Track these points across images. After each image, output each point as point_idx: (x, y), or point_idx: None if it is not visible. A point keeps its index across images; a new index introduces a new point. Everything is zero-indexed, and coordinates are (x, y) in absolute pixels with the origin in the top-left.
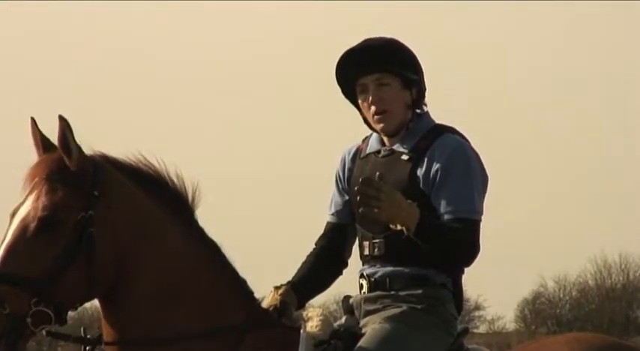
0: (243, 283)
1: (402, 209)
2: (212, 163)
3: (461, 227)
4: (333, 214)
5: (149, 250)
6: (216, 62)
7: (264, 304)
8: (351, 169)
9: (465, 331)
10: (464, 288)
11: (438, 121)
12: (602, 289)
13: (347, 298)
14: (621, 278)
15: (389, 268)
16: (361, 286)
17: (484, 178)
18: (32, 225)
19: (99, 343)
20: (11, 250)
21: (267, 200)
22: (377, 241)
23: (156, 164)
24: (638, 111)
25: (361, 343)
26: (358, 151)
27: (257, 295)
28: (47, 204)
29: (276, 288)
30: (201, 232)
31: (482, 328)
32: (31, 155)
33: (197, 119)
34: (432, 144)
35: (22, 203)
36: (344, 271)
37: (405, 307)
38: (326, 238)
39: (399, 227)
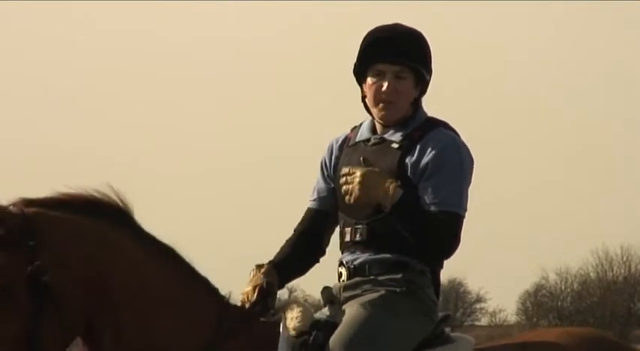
0: (213, 288)
1: (380, 187)
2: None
3: (445, 219)
4: (314, 200)
5: (111, 275)
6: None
7: (248, 284)
8: (338, 157)
9: (447, 317)
10: (465, 281)
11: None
12: (603, 282)
13: (326, 288)
14: (623, 271)
15: (369, 255)
16: (340, 275)
17: (469, 175)
18: None
19: None
20: None
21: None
22: (360, 226)
23: (80, 190)
24: None
25: (339, 329)
26: (346, 139)
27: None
28: None
29: (258, 266)
30: (152, 239)
31: (483, 321)
32: None
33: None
34: (425, 135)
35: None
36: (323, 260)
37: (383, 291)
38: (306, 224)
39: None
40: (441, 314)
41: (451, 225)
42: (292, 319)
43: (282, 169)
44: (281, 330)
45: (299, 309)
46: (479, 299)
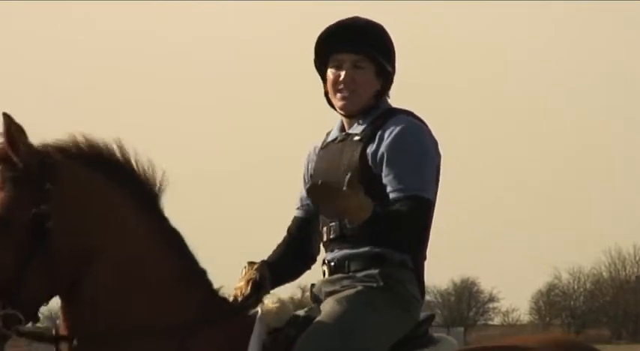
0: (202, 273)
1: (352, 206)
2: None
3: (411, 204)
4: (299, 208)
5: (109, 241)
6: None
7: (240, 279)
8: (314, 162)
9: (431, 317)
10: (478, 280)
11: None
12: (616, 281)
13: (313, 286)
14: (635, 270)
15: (346, 250)
16: (323, 273)
17: (435, 160)
18: None
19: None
20: None
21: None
22: (333, 224)
23: (119, 150)
24: None
25: (312, 325)
26: (322, 143)
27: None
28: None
29: (251, 263)
30: (163, 221)
31: (496, 320)
32: None
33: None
34: (384, 124)
35: None
36: (313, 267)
37: (360, 287)
38: (293, 232)
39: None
40: (424, 314)
41: (418, 209)
42: (267, 315)
43: (282, 169)
44: (256, 325)
45: (276, 305)
46: (492, 299)
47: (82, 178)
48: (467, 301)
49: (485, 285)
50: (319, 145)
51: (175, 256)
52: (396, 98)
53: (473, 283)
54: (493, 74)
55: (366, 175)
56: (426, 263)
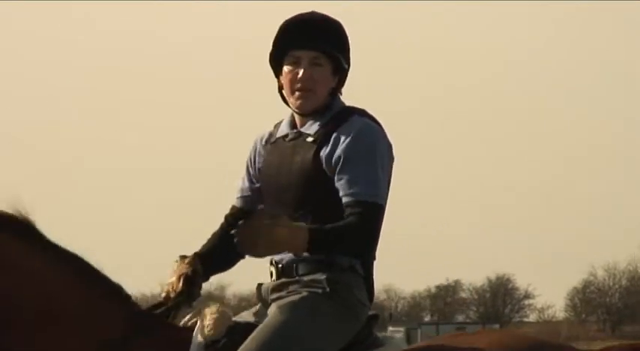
0: (118, 289)
1: (283, 243)
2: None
3: (361, 212)
4: (239, 198)
5: (14, 287)
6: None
7: (172, 274)
8: (262, 157)
9: (375, 317)
10: (514, 277)
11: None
12: None
13: (260, 285)
14: None
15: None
16: (271, 274)
17: (389, 163)
18: None
19: None
20: None
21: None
22: None
23: None
24: None
25: (252, 335)
26: (270, 136)
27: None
28: None
29: (182, 257)
30: (58, 249)
31: (532, 317)
32: None
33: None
34: (338, 126)
35: None
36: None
37: (305, 292)
38: (229, 222)
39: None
40: (369, 314)
41: (368, 217)
42: (205, 327)
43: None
44: (194, 337)
45: (213, 315)
46: (527, 295)
47: None
48: (502, 297)
49: (521, 282)
50: (266, 135)
51: (86, 281)
52: (395, 97)
53: (508, 280)
54: (494, 74)
55: (320, 178)
56: (375, 264)
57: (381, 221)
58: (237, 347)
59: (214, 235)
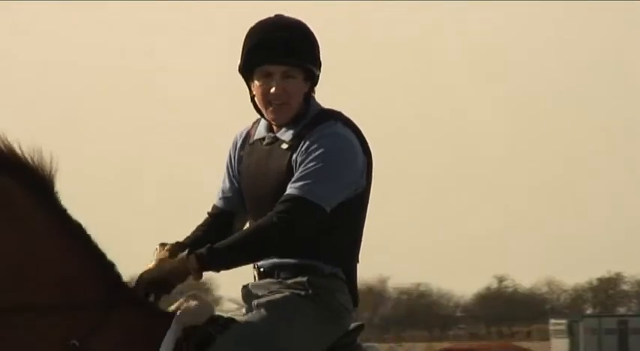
0: (110, 266)
1: (170, 275)
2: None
3: (284, 207)
4: (220, 199)
5: (6, 234)
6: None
7: (151, 261)
8: (241, 158)
9: (360, 327)
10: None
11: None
12: None
13: (246, 287)
14: None
15: (275, 259)
16: (254, 277)
17: (349, 172)
18: None
19: None
20: None
21: None
22: None
23: (1, 142)
24: None
25: (231, 329)
26: (248, 136)
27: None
28: None
29: (162, 245)
30: (63, 213)
31: None
32: None
33: None
34: (310, 132)
35: None
36: None
37: (288, 292)
38: (211, 221)
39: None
40: (354, 324)
41: (298, 209)
42: (186, 313)
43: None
44: (173, 322)
45: (195, 302)
46: None
47: None
48: None
49: None
50: (244, 134)
51: (78, 249)
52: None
53: None
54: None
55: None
56: (358, 267)
57: (311, 218)
58: (215, 338)
59: (198, 227)
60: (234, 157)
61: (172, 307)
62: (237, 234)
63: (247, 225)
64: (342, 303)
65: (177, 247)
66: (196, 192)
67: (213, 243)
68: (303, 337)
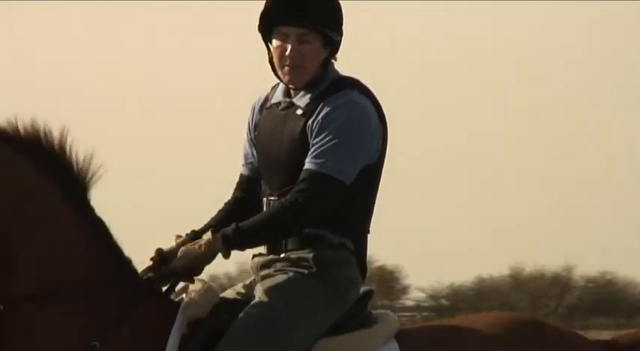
0: (127, 263)
1: (199, 257)
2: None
3: (307, 184)
4: (244, 166)
5: (33, 229)
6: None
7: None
8: (257, 122)
9: (369, 293)
10: None
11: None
12: None
13: (255, 257)
14: None
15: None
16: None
17: (366, 142)
18: None
19: None
20: None
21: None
22: (272, 199)
23: (58, 139)
24: None
25: (236, 320)
26: (266, 100)
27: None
28: None
29: (178, 236)
30: (90, 211)
31: None
32: None
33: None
34: (326, 99)
35: None
36: None
37: (292, 273)
38: (240, 190)
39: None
40: (363, 289)
41: (322, 188)
42: (190, 305)
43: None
44: (178, 314)
45: (199, 290)
46: None
47: (6, 165)
48: None
49: None
50: (262, 99)
51: (99, 249)
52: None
53: None
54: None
55: (306, 150)
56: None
57: (333, 193)
58: (222, 326)
59: (225, 206)
60: (252, 122)
61: (178, 291)
62: (261, 213)
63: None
64: (348, 276)
65: (193, 236)
66: (196, 192)
67: (238, 222)
68: (309, 322)
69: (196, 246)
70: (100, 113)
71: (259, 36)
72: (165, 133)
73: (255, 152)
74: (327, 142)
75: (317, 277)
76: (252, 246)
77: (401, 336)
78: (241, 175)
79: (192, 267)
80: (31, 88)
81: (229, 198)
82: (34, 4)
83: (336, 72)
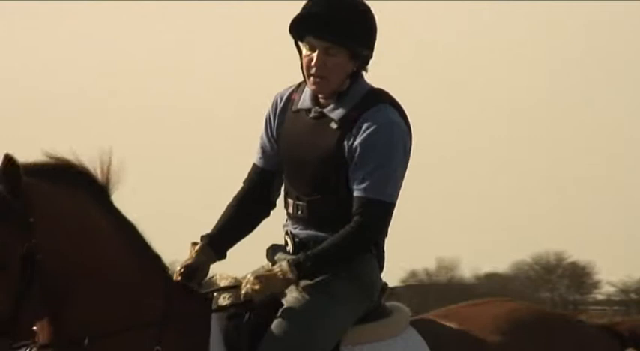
0: (159, 260)
1: (278, 286)
2: None
3: (365, 211)
4: (261, 158)
5: (89, 252)
6: None
7: (185, 260)
8: (282, 121)
9: (384, 287)
10: None
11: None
12: None
13: (273, 247)
14: None
15: (311, 232)
16: (286, 243)
17: (404, 161)
18: None
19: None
20: None
21: None
22: (300, 203)
23: (75, 160)
24: None
25: (280, 315)
26: (290, 100)
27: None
28: None
29: (194, 244)
30: (123, 219)
31: None
32: None
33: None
34: (362, 114)
35: None
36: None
37: (326, 274)
38: (252, 181)
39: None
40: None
41: (377, 215)
42: (224, 300)
43: None
44: (212, 319)
45: (231, 289)
46: None
47: (56, 199)
48: None
49: None
50: (286, 95)
51: (136, 253)
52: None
53: None
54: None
55: (339, 164)
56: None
57: (387, 217)
58: (259, 324)
59: (234, 200)
60: (274, 118)
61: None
62: (327, 243)
63: (284, 187)
64: (374, 277)
65: (205, 246)
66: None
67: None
68: (342, 317)
69: (277, 278)
70: (100, 113)
71: (257, 36)
72: (165, 133)
73: (273, 146)
74: (375, 168)
75: (350, 280)
76: (320, 273)
77: (415, 323)
78: (255, 165)
79: (270, 297)
80: (31, 88)
81: (240, 191)
82: (34, 4)
83: (366, 83)
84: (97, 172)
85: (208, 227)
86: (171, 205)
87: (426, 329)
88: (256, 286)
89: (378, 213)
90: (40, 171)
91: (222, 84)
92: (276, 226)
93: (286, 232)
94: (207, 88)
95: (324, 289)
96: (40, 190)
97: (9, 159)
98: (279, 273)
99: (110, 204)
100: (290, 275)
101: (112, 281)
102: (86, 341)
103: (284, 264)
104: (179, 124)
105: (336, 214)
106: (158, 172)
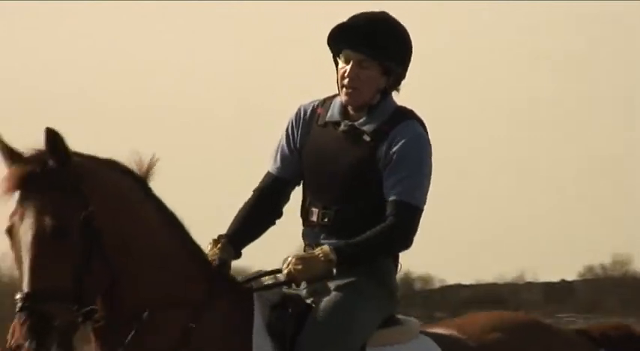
0: (199, 250)
1: (318, 272)
2: None
3: (399, 212)
4: (278, 167)
5: (137, 234)
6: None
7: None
8: (307, 133)
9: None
10: None
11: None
12: None
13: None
14: None
15: (334, 240)
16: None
17: (430, 172)
18: (45, 238)
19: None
20: (37, 267)
21: None
22: (327, 211)
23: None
24: None
25: (316, 311)
26: (315, 113)
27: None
28: (51, 214)
29: (215, 242)
30: (165, 208)
31: None
32: None
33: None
34: (393, 129)
35: (21, 218)
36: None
37: (353, 277)
38: (266, 189)
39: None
40: None
41: (409, 217)
42: (264, 291)
43: None
44: (255, 301)
45: (269, 281)
46: None
47: (104, 176)
48: None
49: None
50: (310, 108)
51: (180, 238)
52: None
53: None
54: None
55: (372, 175)
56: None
57: (418, 221)
58: (304, 314)
59: (246, 205)
60: (298, 130)
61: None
62: (366, 235)
63: (305, 196)
64: (395, 283)
65: (227, 244)
66: (197, 192)
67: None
68: (373, 318)
69: (318, 261)
70: (100, 113)
71: (257, 36)
72: (165, 133)
73: (294, 157)
74: (406, 176)
75: (379, 283)
76: (357, 263)
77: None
78: (269, 173)
79: (312, 279)
80: (31, 88)
81: (252, 197)
82: (34, 4)
83: (394, 102)
84: (135, 167)
85: (208, 227)
86: (170, 205)
87: (435, 337)
88: (299, 266)
89: (409, 215)
90: (82, 155)
91: (222, 84)
92: (275, 228)
93: (307, 244)
94: (207, 88)
95: (357, 290)
96: (88, 165)
97: (53, 133)
98: (321, 255)
99: (153, 192)
100: (332, 256)
101: (161, 259)
102: (145, 315)
103: (326, 247)
104: (179, 124)
105: (363, 221)
106: (158, 172)
